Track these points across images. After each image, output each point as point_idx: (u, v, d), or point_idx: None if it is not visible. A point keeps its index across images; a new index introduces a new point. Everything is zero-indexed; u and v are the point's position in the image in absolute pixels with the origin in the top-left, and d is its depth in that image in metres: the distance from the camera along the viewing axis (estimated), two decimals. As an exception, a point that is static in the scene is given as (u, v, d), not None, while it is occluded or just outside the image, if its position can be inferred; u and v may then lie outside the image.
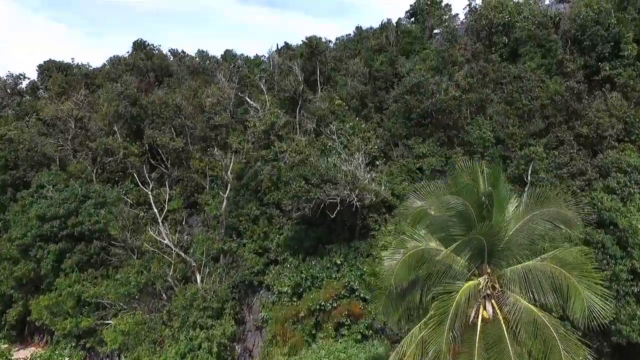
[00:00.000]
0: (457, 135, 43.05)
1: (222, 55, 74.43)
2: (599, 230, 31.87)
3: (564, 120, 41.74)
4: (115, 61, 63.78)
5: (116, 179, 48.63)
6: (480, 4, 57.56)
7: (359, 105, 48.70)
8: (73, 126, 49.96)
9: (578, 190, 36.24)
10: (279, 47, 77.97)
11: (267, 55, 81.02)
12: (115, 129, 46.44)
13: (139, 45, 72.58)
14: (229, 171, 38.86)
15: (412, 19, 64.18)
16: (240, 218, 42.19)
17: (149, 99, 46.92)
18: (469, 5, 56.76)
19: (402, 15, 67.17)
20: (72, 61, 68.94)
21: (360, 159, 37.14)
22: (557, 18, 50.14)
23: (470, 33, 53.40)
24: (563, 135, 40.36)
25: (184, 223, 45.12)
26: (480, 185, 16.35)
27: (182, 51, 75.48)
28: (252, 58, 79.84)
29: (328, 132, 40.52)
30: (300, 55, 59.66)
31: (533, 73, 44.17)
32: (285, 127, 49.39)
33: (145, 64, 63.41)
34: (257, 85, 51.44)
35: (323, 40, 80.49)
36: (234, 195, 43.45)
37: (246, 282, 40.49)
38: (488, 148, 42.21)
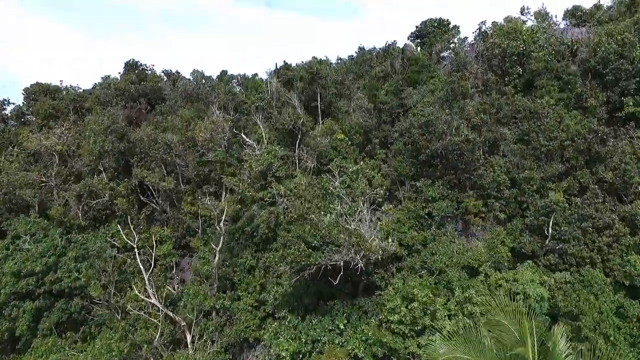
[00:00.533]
0: (469, 177, 39.73)
1: (218, 76, 71.22)
2: (634, 302, 28.55)
3: (585, 163, 38.47)
4: (105, 86, 60.49)
5: (103, 217, 45.43)
6: (491, 27, 54.51)
7: (362, 141, 45.43)
8: (57, 161, 46.72)
9: (605, 247, 32.99)
10: (278, 67, 74.81)
11: (265, 77, 78.25)
12: (102, 168, 43.24)
13: (131, 66, 69.46)
14: (221, 222, 35.60)
15: (418, 40, 60.93)
16: (235, 268, 39.04)
17: (138, 136, 43.65)
18: (479, 29, 53.62)
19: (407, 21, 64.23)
20: (61, 83, 65.84)
21: (365, 210, 33.89)
22: (575, 46, 46.92)
23: (481, 60, 50.17)
24: (585, 180, 37.11)
25: (174, 270, 41.93)
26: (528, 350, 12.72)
27: (177, 72, 72.39)
28: (250, 77, 76.65)
29: (330, 176, 37.22)
30: (300, 79, 56.51)
31: (551, 109, 40.92)
32: (284, 162, 46.16)
33: (137, 89, 60.17)
34: (254, 117, 48.19)
35: (324, 58, 77.70)
36: (228, 240, 40.26)
37: (241, 339, 37.36)
38: (503, 192, 38.99)
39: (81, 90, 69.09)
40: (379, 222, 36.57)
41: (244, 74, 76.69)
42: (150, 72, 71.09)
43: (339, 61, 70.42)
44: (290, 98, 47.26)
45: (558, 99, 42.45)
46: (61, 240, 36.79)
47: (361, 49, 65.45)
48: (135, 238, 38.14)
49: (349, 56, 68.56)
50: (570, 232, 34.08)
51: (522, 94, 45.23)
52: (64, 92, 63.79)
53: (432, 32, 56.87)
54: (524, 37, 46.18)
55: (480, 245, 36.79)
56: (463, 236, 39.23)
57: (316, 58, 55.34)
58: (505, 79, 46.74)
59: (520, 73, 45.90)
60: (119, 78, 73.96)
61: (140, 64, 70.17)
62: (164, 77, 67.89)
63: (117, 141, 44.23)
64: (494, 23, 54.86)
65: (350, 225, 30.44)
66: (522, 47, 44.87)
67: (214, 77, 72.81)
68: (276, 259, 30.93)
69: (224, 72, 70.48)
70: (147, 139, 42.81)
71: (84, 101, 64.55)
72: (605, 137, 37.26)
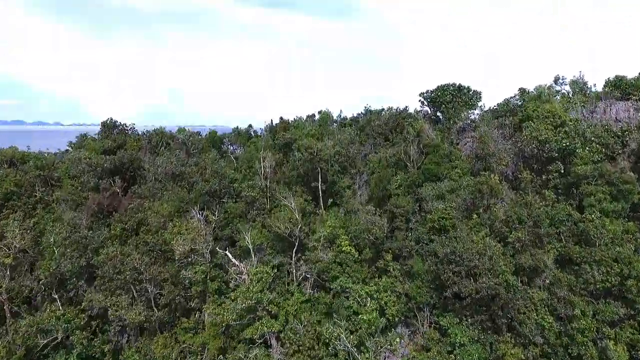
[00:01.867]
0: (506, 319, 32.15)
1: (207, 134, 63.62)
2: None
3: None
4: (75, 160, 52.79)
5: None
6: (519, 98, 46.87)
7: (372, 255, 37.83)
8: (7, 276, 39.15)
9: None
10: (274, 125, 67.17)
11: (261, 130, 70.58)
12: (56, 295, 35.78)
13: (109, 127, 61.91)
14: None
15: (432, 109, 53.22)
16: None
17: (101, 259, 35.96)
18: (506, 104, 45.96)
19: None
20: (28, 149, 58.18)
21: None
22: (626, 137, 39.33)
23: (510, 142, 42.52)
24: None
25: None
26: None
27: (160, 128, 64.66)
28: (244, 130, 69.09)
29: (330, 326, 29.74)
30: (300, 159, 48.71)
31: (605, 230, 33.25)
32: (278, 273, 38.54)
33: (112, 161, 52.54)
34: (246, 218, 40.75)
35: (329, 110, 69.86)
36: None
37: None
38: (548, 338, 31.46)
39: (53, 154, 61.59)
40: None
41: (237, 128, 69.21)
42: (131, 131, 63.53)
43: (341, 119, 62.93)
44: (289, 202, 39.53)
45: (610, 211, 34.84)
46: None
47: (367, 111, 57.96)
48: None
49: (352, 119, 61.06)
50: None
51: (564, 197, 37.69)
52: (32, 160, 56.01)
53: (450, 101, 49.14)
54: (567, 129, 38.54)
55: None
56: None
57: (316, 142, 47.15)
58: (543, 177, 39.10)
59: (562, 171, 38.25)
60: (96, 137, 66.70)
61: (119, 124, 62.63)
62: (146, 140, 60.09)
63: (77, 257, 36.69)
64: (523, 90, 47.35)
65: None
66: (565, 143, 37.19)
67: (204, 134, 65.37)
68: None
69: (213, 133, 62.83)
70: (112, 262, 35.14)
71: (53, 170, 57.01)
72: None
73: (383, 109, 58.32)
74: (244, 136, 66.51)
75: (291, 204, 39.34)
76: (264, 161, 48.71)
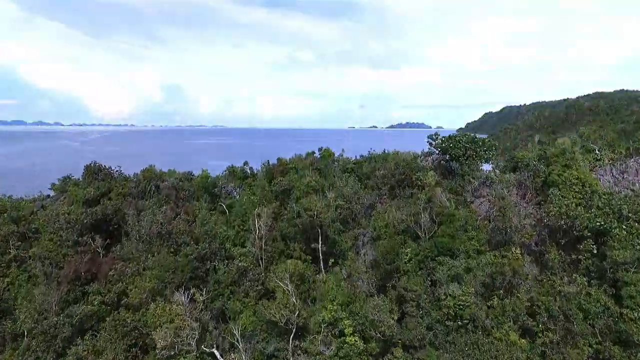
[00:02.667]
0: None
1: (200, 176, 59.06)
2: None
3: None
4: (53, 217, 48.28)
5: None
6: (539, 155, 42.50)
7: (381, 349, 33.32)
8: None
9: None
10: (271, 165, 62.66)
11: (257, 169, 66.13)
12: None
13: (92, 171, 57.41)
14: None
15: (445, 157, 48.72)
16: None
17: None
18: (526, 164, 41.52)
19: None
20: (4, 196, 53.79)
21: None
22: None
23: (535, 217, 38.08)
24: None
25: None
26: None
27: (150, 167, 60.15)
28: (240, 168, 64.47)
29: None
30: (299, 219, 44.27)
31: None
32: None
33: (94, 215, 48.17)
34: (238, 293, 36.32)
35: (331, 150, 65.43)
36: None
37: None
38: None
39: (32, 200, 57.13)
40: None
41: (232, 167, 64.57)
42: (117, 174, 58.99)
43: (345, 162, 58.45)
44: (286, 288, 35.05)
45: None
46: None
47: (372, 157, 53.55)
48: None
49: (355, 162, 56.61)
50: None
51: (598, 282, 33.21)
52: (6, 215, 51.54)
53: (464, 154, 44.64)
54: (598, 199, 34.13)
55: None
56: None
57: (315, 201, 42.88)
58: (572, 255, 34.66)
59: (594, 252, 33.79)
60: (80, 179, 62.28)
61: (104, 168, 58.15)
62: (133, 185, 55.59)
63: (44, 350, 32.20)
64: (545, 149, 42.97)
65: None
66: (599, 223, 32.75)
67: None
68: None
69: (205, 176, 58.20)
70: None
71: (30, 222, 52.56)
72: None
73: (388, 154, 53.83)
74: (239, 175, 62.04)
75: (287, 286, 34.81)
76: (259, 221, 44.24)
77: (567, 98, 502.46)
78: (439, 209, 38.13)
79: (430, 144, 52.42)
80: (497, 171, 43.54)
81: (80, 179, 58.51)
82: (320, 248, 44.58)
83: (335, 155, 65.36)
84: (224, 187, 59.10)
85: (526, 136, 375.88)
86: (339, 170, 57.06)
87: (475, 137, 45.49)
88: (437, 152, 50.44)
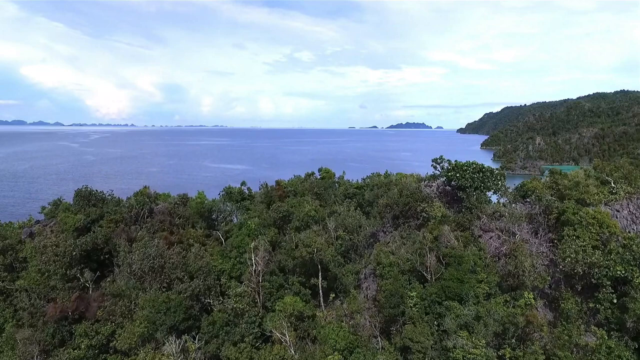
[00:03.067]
0: None
1: (195, 200, 56.80)
2: None
3: None
4: (40, 249, 46.07)
5: None
6: (550, 187, 40.32)
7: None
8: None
9: None
10: (268, 188, 60.32)
11: (255, 189, 63.95)
12: None
13: (83, 196, 55.13)
14: None
15: (451, 186, 46.47)
16: None
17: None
18: (539, 199, 39.31)
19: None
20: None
21: None
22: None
23: (548, 257, 35.96)
24: None
25: None
26: None
27: (144, 189, 58.09)
28: (237, 189, 62.29)
29: None
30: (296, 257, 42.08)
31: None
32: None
33: (83, 246, 46.06)
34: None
35: (331, 170, 63.44)
36: None
37: None
38: None
39: (21, 227, 54.91)
40: None
41: (229, 187, 62.39)
42: (110, 196, 56.79)
43: (347, 187, 56.22)
44: (282, 333, 32.90)
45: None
46: None
47: (374, 185, 51.32)
48: None
49: (356, 187, 54.39)
50: None
51: (618, 334, 31.04)
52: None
53: (471, 185, 42.34)
54: (616, 242, 31.99)
55: None
56: None
57: (317, 241, 40.72)
58: (590, 304, 32.48)
59: (614, 301, 31.63)
60: (71, 202, 60.01)
61: (95, 192, 55.91)
62: (126, 209, 53.34)
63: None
64: (557, 179, 40.84)
65: None
66: (619, 272, 30.62)
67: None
68: None
69: (201, 198, 55.93)
70: None
71: (18, 252, 50.41)
72: None
73: (391, 178, 51.63)
74: (236, 197, 59.77)
75: (285, 337, 32.66)
76: (256, 255, 42.08)
77: (568, 98, 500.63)
78: (446, 250, 35.95)
79: (435, 167, 50.24)
80: (507, 205, 41.27)
81: (72, 203, 56.31)
82: (320, 284, 42.45)
83: (336, 177, 63.31)
84: (221, 213, 56.67)
85: (527, 138, 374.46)
86: (340, 195, 54.83)
87: (483, 167, 43.19)
88: (442, 177, 48.20)
